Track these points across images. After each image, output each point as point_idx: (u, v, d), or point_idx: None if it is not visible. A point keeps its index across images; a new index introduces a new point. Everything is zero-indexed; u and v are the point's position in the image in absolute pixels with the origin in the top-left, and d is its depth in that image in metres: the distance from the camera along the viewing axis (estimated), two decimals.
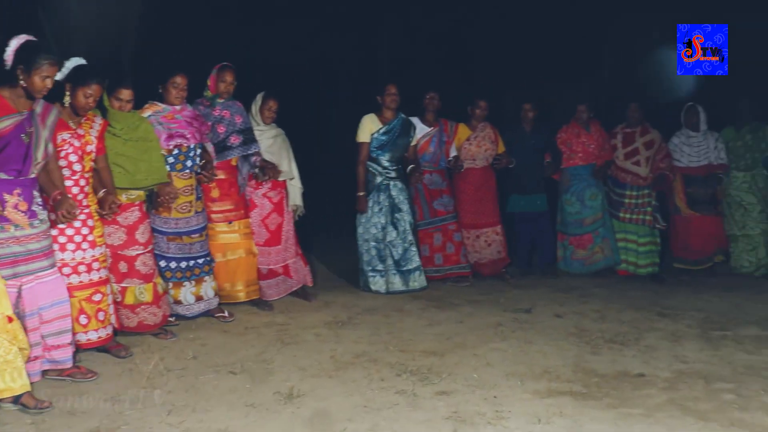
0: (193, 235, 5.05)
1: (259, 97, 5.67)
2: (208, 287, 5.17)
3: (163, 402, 3.59)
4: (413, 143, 6.26)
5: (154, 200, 4.80)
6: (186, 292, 5.07)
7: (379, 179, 6.12)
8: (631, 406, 3.57)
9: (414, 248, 6.14)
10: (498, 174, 6.81)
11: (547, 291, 6.23)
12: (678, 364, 4.26)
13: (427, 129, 6.39)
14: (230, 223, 5.38)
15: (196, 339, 4.72)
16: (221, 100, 5.34)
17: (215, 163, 5.19)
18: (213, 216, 5.31)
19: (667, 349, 4.54)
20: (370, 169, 6.12)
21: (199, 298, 5.12)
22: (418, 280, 6.13)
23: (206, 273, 5.17)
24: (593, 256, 6.87)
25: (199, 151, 5.05)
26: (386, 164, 6.12)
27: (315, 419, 3.40)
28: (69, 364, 3.89)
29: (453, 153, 6.50)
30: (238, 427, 3.31)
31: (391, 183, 6.13)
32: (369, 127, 6.07)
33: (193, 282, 5.10)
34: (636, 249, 6.85)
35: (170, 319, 4.94)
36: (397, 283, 6.08)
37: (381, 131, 6.07)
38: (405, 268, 6.11)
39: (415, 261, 6.13)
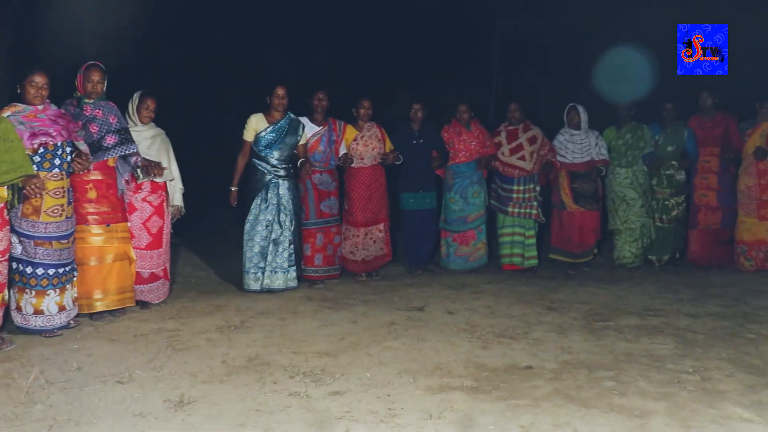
0: (62, 241, 4.84)
1: (135, 97, 5.55)
2: (69, 297, 4.96)
3: (43, 417, 3.42)
4: (302, 142, 6.32)
5: (21, 195, 4.58)
6: (50, 302, 4.82)
7: (267, 177, 6.12)
8: (519, 398, 3.68)
9: (292, 248, 6.17)
10: (392, 173, 6.90)
11: (439, 288, 6.34)
12: (564, 355, 4.42)
13: (317, 128, 6.45)
14: (108, 225, 5.21)
15: (81, 349, 4.53)
16: (90, 101, 5.17)
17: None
18: (89, 218, 5.13)
19: (553, 342, 4.71)
20: (259, 167, 6.13)
21: (61, 309, 4.88)
22: (292, 280, 6.18)
23: (69, 281, 4.97)
24: (476, 252, 7.10)
25: (68, 149, 4.84)
26: (274, 163, 6.13)
27: (206, 425, 3.33)
28: None
29: (342, 151, 6.56)
30: None
31: (280, 181, 6.14)
32: (254, 127, 6.12)
33: (58, 291, 4.87)
34: (523, 242, 7.12)
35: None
36: (274, 281, 6.11)
37: (268, 130, 6.10)
38: (283, 267, 6.13)
39: (292, 260, 6.16)
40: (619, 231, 7.33)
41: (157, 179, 5.51)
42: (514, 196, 7.06)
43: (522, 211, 7.05)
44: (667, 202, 7.29)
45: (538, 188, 7.09)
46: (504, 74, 13.10)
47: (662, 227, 7.33)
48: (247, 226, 6.13)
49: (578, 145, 7.10)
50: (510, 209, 7.07)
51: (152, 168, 5.38)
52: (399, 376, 4.00)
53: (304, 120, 6.38)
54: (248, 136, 6.15)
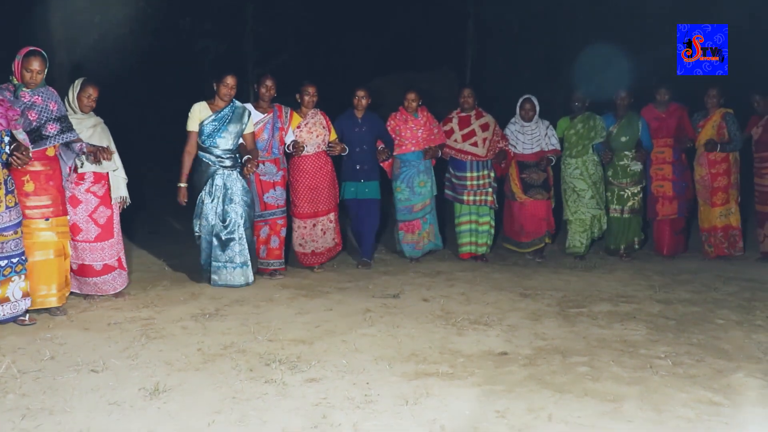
0: (5, 233, 4.58)
1: (77, 83, 5.32)
2: (16, 287, 4.68)
3: (16, 406, 3.39)
4: (249, 131, 6.04)
5: None
6: (14, 288, 4.65)
7: (212, 169, 5.85)
8: (494, 383, 3.71)
9: (244, 242, 5.87)
10: (336, 162, 6.78)
11: (414, 276, 6.36)
12: (538, 341, 4.46)
13: (261, 116, 6.24)
14: (47, 219, 4.95)
15: (54, 338, 4.49)
16: (27, 90, 4.84)
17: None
18: (27, 212, 4.83)
19: (528, 328, 4.75)
20: (204, 159, 5.87)
21: (4, 300, 4.63)
22: (245, 275, 5.88)
23: (16, 273, 4.68)
24: (421, 240, 7.07)
25: (6, 138, 4.57)
26: (219, 153, 5.85)
27: (182, 413, 3.32)
28: None
29: (291, 138, 6.36)
30: (100, 427, 3.18)
31: (226, 173, 5.86)
32: (198, 116, 5.83)
33: (22, 277, 4.70)
34: (477, 229, 7.14)
35: None
36: (234, 277, 5.84)
37: (211, 118, 5.81)
38: (235, 262, 5.85)
39: (245, 255, 5.87)
40: (570, 221, 7.36)
41: (102, 168, 5.30)
42: (468, 183, 7.02)
43: (477, 198, 7.05)
44: (622, 193, 7.28)
45: (492, 174, 7.08)
46: (478, 61, 13.13)
47: (619, 218, 7.32)
48: (195, 222, 5.92)
49: (528, 136, 7.10)
50: (465, 197, 7.05)
51: (100, 153, 5.10)
52: (375, 363, 4.01)
53: (249, 107, 6.14)
54: (193, 126, 5.84)
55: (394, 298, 5.55)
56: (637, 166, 7.25)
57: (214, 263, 5.84)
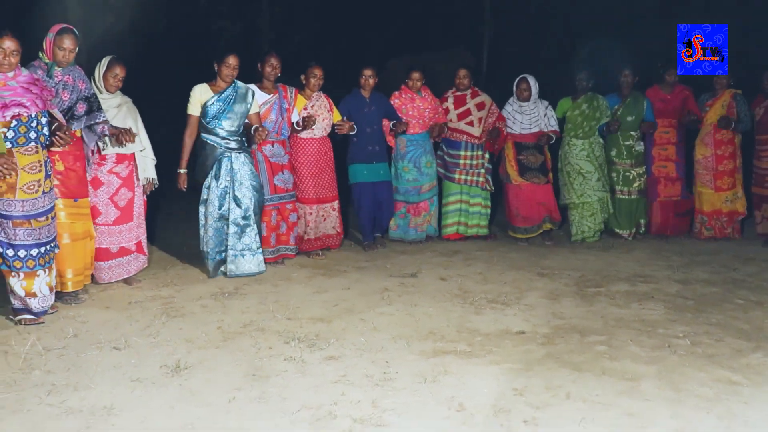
0: (40, 218, 4.43)
1: (103, 62, 5.17)
2: (54, 276, 4.60)
3: (42, 382, 3.45)
4: (254, 111, 5.81)
5: None
6: (41, 283, 4.46)
7: (218, 152, 5.60)
8: (512, 362, 3.73)
9: (256, 228, 5.66)
10: (336, 148, 6.61)
11: (431, 255, 6.37)
12: (556, 320, 4.47)
13: (267, 96, 6.03)
14: (76, 200, 4.87)
15: (77, 317, 4.55)
16: (60, 68, 4.75)
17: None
18: (56, 191, 4.73)
19: (545, 307, 4.76)
20: (209, 142, 5.62)
21: (51, 289, 4.54)
22: (260, 262, 5.67)
23: (53, 260, 4.58)
24: (424, 224, 6.96)
25: (44, 120, 4.42)
26: (224, 135, 5.61)
27: (203, 390, 3.37)
28: None
29: (295, 118, 6.19)
30: (124, 403, 3.23)
31: (233, 155, 5.62)
32: (199, 98, 5.60)
33: (47, 270, 4.50)
34: (467, 210, 7.05)
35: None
36: (242, 265, 5.60)
37: (214, 99, 5.58)
38: (251, 249, 5.63)
39: (257, 242, 5.66)
40: (575, 205, 7.16)
41: (127, 149, 5.18)
42: (461, 162, 6.94)
43: (469, 178, 6.97)
44: (628, 174, 7.17)
45: (486, 156, 6.99)
46: (494, 41, 13.04)
47: (626, 199, 7.21)
48: (201, 209, 5.63)
49: (526, 116, 6.95)
50: (456, 176, 6.97)
51: (122, 135, 4.96)
52: (393, 341, 4.04)
53: (253, 87, 5.91)
54: (194, 109, 5.60)
55: (411, 277, 5.57)
56: (640, 147, 7.17)
57: (230, 252, 5.57)
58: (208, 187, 5.60)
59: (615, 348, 3.93)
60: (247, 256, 5.62)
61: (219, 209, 5.59)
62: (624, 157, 7.16)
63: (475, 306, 4.77)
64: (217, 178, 5.58)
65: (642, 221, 7.29)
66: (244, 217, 5.62)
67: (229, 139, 5.64)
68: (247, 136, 5.76)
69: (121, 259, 5.33)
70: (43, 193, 4.44)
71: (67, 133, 4.51)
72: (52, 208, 4.56)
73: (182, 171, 5.67)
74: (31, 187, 4.36)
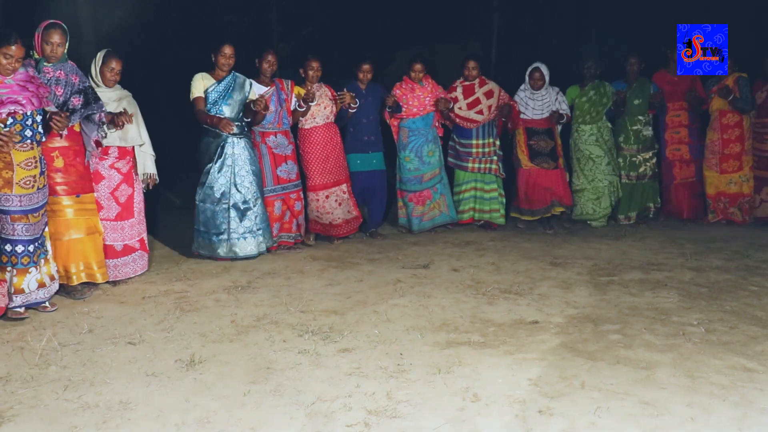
0: (35, 214, 4.46)
1: (99, 56, 5.16)
2: (45, 273, 4.60)
3: (58, 378, 3.48)
4: (253, 98, 5.90)
5: None
6: (31, 279, 4.49)
7: (221, 137, 5.77)
8: (526, 352, 3.73)
9: (259, 209, 5.88)
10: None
11: (443, 246, 6.37)
12: (569, 309, 4.46)
13: (265, 88, 6.13)
14: (78, 196, 4.87)
15: (91, 312, 4.57)
16: (49, 64, 4.72)
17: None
18: (58, 188, 4.77)
19: (558, 296, 4.75)
20: (210, 127, 5.76)
21: (41, 285, 4.56)
22: (257, 244, 5.87)
23: (43, 255, 4.61)
24: (430, 212, 6.99)
25: (39, 118, 4.44)
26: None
27: (218, 384, 3.38)
28: None
29: (294, 106, 6.29)
30: (140, 397, 3.25)
31: (235, 140, 5.79)
32: (201, 83, 5.75)
33: (38, 267, 4.54)
34: (483, 197, 7.10)
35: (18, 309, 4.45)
36: (244, 247, 5.81)
37: (214, 85, 5.74)
38: (252, 231, 5.85)
39: (257, 224, 5.87)
40: (585, 190, 7.24)
41: (128, 142, 5.20)
42: (474, 150, 7.01)
43: (482, 166, 7.03)
44: (634, 159, 7.22)
45: (497, 143, 7.05)
46: (505, 30, 12.98)
47: (629, 184, 7.26)
48: (198, 190, 5.80)
49: (539, 102, 7.01)
50: (470, 165, 7.04)
51: (119, 118, 4.96)
52: (407, 333, 4.05)
53: (251, 81, 6.04)
54: (198, 91, 5.74)
55: (424, 268, 5.57)
56: (648, 131, 7.20)
57: (233, 235, 5.78)
58: (209, 172, 5.76)
59: (629, 336, 3.92)
60: (248, 239, 5.84)
61: (219, 193, 5.76)
62: (632, 142, 7.23)
63: (488, 296, 4.77)
64: (218, 162, 5.75)
65: (651, 205, 7.31)
66: (245, 201, 5.81)
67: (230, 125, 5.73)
68: (251, 116, 5.91)
69: (125, 258, 5.31)
70: (38, 189, 4.48)
71: (63, 115, 4.50)
72: (44, 205, 4.58)
73: (222, 117, 5.69)
74: (27, 183, 4.40)
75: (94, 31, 10.71)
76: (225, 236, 5.80)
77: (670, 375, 3.38)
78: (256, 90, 6.03)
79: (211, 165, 5.77)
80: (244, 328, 4.20)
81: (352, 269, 5.59)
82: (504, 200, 7.18)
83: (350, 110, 6.50)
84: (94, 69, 5.15)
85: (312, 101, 6.24)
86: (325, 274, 5.47)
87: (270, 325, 4.23)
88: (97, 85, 5.12)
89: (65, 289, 4.90)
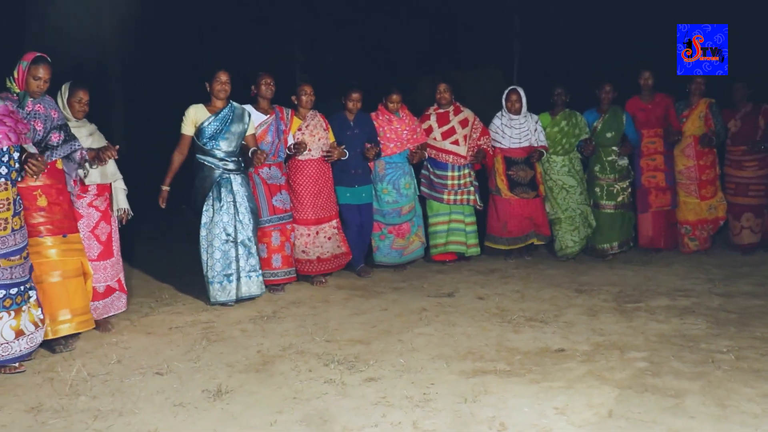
0: (12, 258, 4.07)
1: (64, 88, 4.86)
2: (27, 320, 4.14)
3: (88, 408, 3.52)
4: (251, 132, 5.72)
5: None
6: (4, 326, 4.04)
7: (216, 173, 5.52)
8: (552, 380, 3.71)
9: (255, 248, 5.65)
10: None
11: (468, 274, 6.37)
12: (595, 337, 4.43)
13: (264, 117, 5.91)
14: (64, 236, 4.51)
15: (119, 342, 4.62)
16: (31, 98, 4.45)
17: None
18: (41, 228, 4.40)
19: (584, 324, 4.72)
20: (206, 163, 5.52)
21: (18, 334, 4.08)
22: (259, 285, 5.63)
23: (25, 302, 4.16)
24: (410, 245, 6.75)
25: (16, 155, 4.13)
26: (222, 156, 5.52)
27: (245, 414, 3.40)
28: None
29: (291, 141, 6.05)
30: (168, 428, 3.28)
31: (231, 176, 5.56)
32: (194, 118, 5.52)
33: (13, 313, 4.08)
34: (464, 229, 6.90)
35: None
36: (251, 286, 5.58)
37: (210, 119, 5.50)
38: (252, 271, 5.60)
39: (259, 263, 5.66)
40: (559, 220, 7.04)
41: (106, 179, 4.97)
42: (449, 183, 6.81)
43: (458, 197, 6.84)
44: (611, 188, 7.04)
45: (473, 173, 6.89)
46: (525, 58, 13.05)
47: (609, 213, 7.06)
48: (202, 232, 5.49)
49: (516, 130, 6.87)
50: (446, 197, 6.83)
51: (103, 152, 4.72)
52: (432, 362, 4.04)
53: (249, 108, 5.81)
54: (187, 129, 5.52)
55: (448, 296, 5.57)
56: (624, 161, 7.05)
57: (242, 273, 5.54)
58: (210, 210, 5.52)
59: (657, 364, 3.88)
60: (252, 278, 5.61)
61: (225, 230, 5.52)
62: (607, 172, 7.04)
63: (514, 324, 4.75)
64: (219, 200, 5.51)
65: (631, 235, 7.19)
66: (249, 239, 5.61)
67: (227, 160, 5.57)
68: (245, 159, 5.70)
69: (106, 300, 5.04)
70: (13, 230, 4.10)
71: (39, 159, 4.20)
72: (24, 247, 4.20)
73: (165, 188, 5.57)
74: None
75: (107, 56, 10.84)
76: (235, 275, 5.51)
77: (699, 403, 3.34)
78: (254, 119, 5.82)
79: (208, 201, 5.52)
80: (270, 357, 4.21)
81: (376, 298, 5.60)
82: (476, 229, 6.99)
83: (342, 158, 6.28)
84: (62, 102, 4.83)
85: (301, 153, 6.01)
86: (350, 303, 5.49)
87: (296, 354, 4.25)
88: (68, 119, 4.81)
89: (46, 344, 4.44)
